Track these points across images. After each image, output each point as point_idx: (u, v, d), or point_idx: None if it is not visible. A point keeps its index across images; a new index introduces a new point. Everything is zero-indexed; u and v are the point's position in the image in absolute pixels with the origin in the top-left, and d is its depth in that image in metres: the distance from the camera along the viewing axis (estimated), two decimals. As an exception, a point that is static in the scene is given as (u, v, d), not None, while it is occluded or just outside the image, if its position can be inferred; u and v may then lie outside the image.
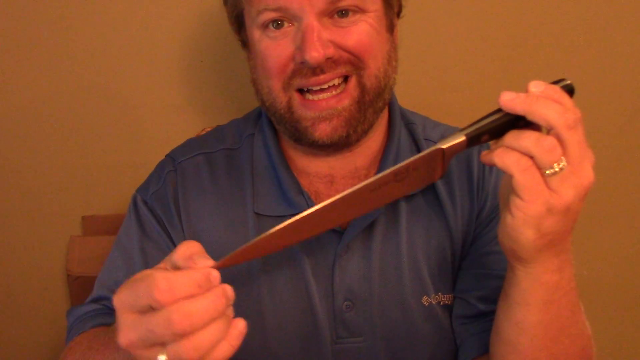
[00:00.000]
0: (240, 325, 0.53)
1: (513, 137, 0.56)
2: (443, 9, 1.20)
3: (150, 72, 1.18)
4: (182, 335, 0.48)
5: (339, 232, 0.80)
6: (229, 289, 0.52)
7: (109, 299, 0.81)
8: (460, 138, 0.58)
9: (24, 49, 1.15)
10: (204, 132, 1.04)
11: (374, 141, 0.84)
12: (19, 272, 1.26)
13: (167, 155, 0.89)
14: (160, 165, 0.88)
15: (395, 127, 0.85)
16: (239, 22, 0.81)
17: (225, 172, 0.85)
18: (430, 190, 0.84)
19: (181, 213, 0.83)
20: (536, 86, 0.57)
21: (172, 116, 1.21)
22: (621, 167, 1.31)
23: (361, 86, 0.75)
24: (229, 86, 1.20)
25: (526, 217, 0.56)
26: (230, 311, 0.53)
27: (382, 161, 0.84)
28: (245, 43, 0.83)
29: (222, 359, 0.51)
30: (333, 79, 0.74)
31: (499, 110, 0.57)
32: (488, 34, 1.21)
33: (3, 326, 1.29)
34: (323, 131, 0.75)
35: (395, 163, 0.83)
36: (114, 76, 1.18)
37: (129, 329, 0.51)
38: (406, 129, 0.88)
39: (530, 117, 0.55)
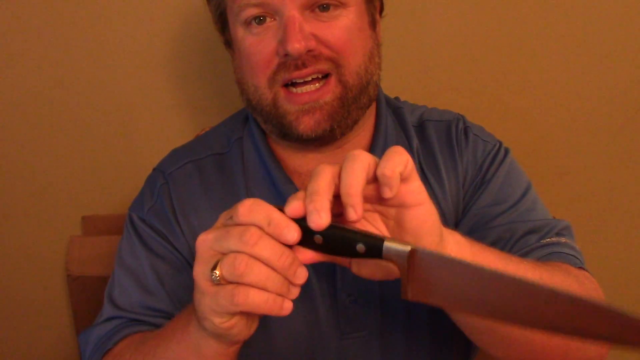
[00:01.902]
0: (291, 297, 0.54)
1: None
2: (443, 8, 1.20)
3: (150, 73, 1.18)
4: (247, 246, 0.50)
5: None
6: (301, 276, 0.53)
7: (126, 318, 0.80)
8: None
9: (22, 51, 1.15)
10: (203, 132, 1.04)
11: (363, 137, 0.84)
12: (19, 272, 1.26)
13: (154, 169, 0.88)
14: (151, 180, 0.87)
15: (381, 119, 0.85)
16: (222, 21, 0.82)
17: (217, 178, 0.84)
18: (419, 175, 0.83)
19: (181, 223, 0.82)
20: None
21: (172, 116, 1.21)
22: (621, 167, 1.31)
23: (343, 84, 0.76)
24: (229, 86, 1.20)
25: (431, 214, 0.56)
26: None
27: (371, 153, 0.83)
28: (230, 43, 0.83)
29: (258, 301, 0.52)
30: (315, 73, 0.75)
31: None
32: (488, 33, 1.21)
33: (3, 326, 1.29)
34: (307, 124, 0.75)
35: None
36: (113, 77, 1.18)
37: (210, 231, 0.54)
38: (393, 116, 0.88)
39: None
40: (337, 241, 0.51)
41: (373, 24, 0.81)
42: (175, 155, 0.89)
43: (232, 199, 0.81)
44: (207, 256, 0.53)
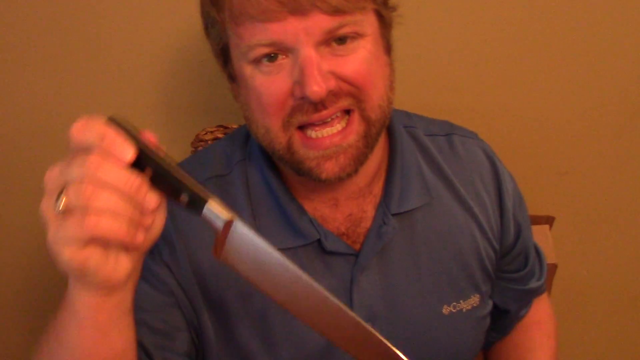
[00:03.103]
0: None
1: None
2: (443, 8, 1.20)
3: (151, 73, 1.18)
4: (90, 170, 0.49)
5: (354, 255, 0.77)
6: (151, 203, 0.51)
7: None
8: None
9: (22, 52, 1.15)
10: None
11: (372, 160, 0.79)
12: (19, 272, 1.26)
13: None
14: None
15: (397, 141, 0.82)
16: (224, 55, 0.75)
17: None
18: (450, 192, 0.83)
19: (177, 249, 0.76)
20: None
21: (172, 116, 1.21)
22: (621, 167, 1.30)
23: (366, 120, 0.71)
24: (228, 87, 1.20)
25: None
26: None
27: (388, 180, 0.81)
28: (234, 77, 0.75)
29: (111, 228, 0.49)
30: (335, 113, 0.70)
31: None
32: (488, 33, 1.21)
33: (3, 326, 1.29)
34: (330, 170, 0.70)
35: (402, 176, 0.80)
36: (113, 77, 1.18)
37: (55, 165, 0.51)
38: (408, 135, 0.84)
39: None
40: (164, 181, 0.52)
41: (388, 50, 0.76)
42: None
43: None
44: (53, 188, 0.50)
